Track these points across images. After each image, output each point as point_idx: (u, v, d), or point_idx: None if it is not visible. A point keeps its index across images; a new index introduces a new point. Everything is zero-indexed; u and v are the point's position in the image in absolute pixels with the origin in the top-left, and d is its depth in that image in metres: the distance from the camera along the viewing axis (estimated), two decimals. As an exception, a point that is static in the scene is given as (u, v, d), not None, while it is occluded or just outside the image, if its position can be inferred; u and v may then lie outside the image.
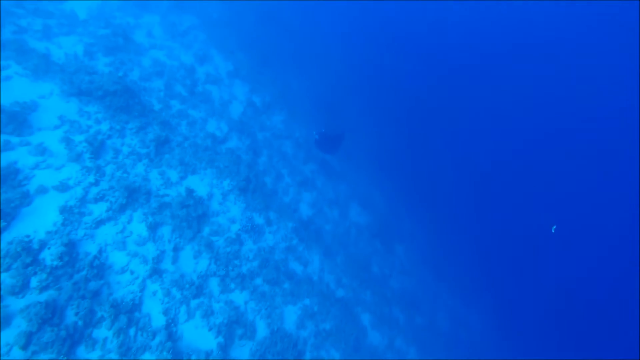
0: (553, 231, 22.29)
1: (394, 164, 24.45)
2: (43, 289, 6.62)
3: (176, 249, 8.75)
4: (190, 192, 9.60)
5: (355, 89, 26.46)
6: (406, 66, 35.07)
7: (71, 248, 7.11)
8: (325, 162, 18.12)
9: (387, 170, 23.26)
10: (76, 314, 6.68)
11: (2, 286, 6.36)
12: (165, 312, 7.76)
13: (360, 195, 18.83)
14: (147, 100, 11.47)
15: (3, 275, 6.49)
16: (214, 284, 9.05)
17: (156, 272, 8.03)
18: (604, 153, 35.43)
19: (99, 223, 7.88)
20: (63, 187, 7.77)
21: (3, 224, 6.80)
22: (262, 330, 9.44)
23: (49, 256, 6.86)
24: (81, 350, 6.56)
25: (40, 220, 7.22)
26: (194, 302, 8.37)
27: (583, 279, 28.60)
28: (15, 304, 6.38)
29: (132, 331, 7.18)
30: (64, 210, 7.51)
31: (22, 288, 6.49)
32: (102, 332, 6.89)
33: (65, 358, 6.29)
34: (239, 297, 9.40)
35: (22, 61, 9.88)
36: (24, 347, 6.11)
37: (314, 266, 12.49)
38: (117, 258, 7.74)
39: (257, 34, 21.37)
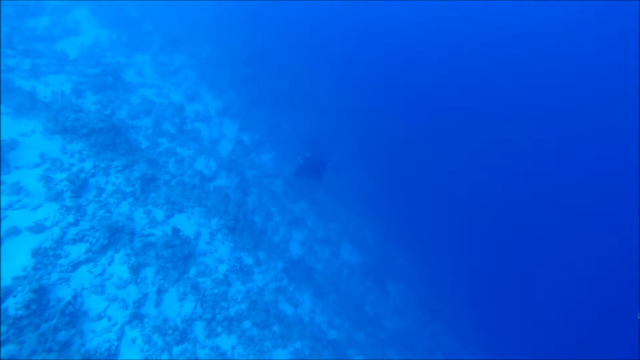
0: None
1: (386, 201, 24.31)
2: (1, 344, 5.96)
3: (160, 292, 8.20)
4: (176, 231, 9.20)
5: (347, 126, 26.76)
6: (398, 101, 35.46)
7: (41, 294, 6.55)
8: (316, 200, 17.96)
9: (379, 208, 23.08)
10: (41, 370, 6.01)
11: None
12: (145, 363, 7.09)
13: (352, 233, 18.53)
14: (134, 138, 11.30)
15: (-45, 331, 5.86)
16: (199, 329, 8.42)
17: (137, 317, 7.44)
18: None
19: (76, 265, 7.36)
20: (38, 228, 7.31)
21: (-32, 269, 6.28)
22: (250, 379, 8.73)
23: (13, 305, 6.26)
24: (45, 413, 5.85)
25: (8, 265, 6.69)
26: (177, 349, 7.71)
27: (581, 292, 28.24)
28: (-31, 362, 5.72)
29: (106, 386, 6.48)
30: (37, 252, 7.01)
31: (-22, 344, 5.85)
32: (72, 389, 6.20)
33: None
34: (226, 342, 8.75)
35: (5, 99, 9.70)
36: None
37: (305, 307, 11.91)
38: (94, 303, 7.16)
39: (247, 73, 21.84)
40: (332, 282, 14.28)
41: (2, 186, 7.75)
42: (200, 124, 15.00)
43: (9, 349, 5.98)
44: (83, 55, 13.32)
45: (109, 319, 7.08)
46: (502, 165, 34.33)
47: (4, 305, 6.30)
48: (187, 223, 10.20)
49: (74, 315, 6.80)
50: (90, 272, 7.51)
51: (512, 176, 34.33)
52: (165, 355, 7.30)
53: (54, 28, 14.09)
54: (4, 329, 6.05)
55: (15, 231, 7.15)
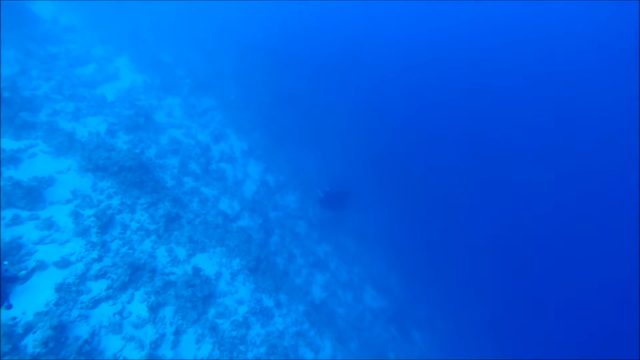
0: None
1: (410, 244, 23.67)
2: (19, 382, 5.84)
3: (177, 332, 7.94)
4: (197, 270, 9.10)
5: (371, 167, 26.82)
6: (419, 139, 35.40)
7: (60, 332, 6.46)
8: (339, 243, 17.64)
9: (403, 251, 22.40)
10: (54, 412, 5.78)
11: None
12: (157, 411, 6.72)
13: (375, 278, 17.88)
14: (161, 177, 11.63)
15: (-22, 365, 5.81)
16: (215, 375, 8.01)
17: (152, 358, 7.16)
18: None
19: (97, 302, 7.30)
20: (64, 263, 7.39)
21: (-6, 304, 6.31)
22: None
23: (32, 342, 6.19)
24: None
25: (32, 300, 6.71)
26: (190, 398, 7.32)
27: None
28: (-13, 401, 5.58)
29: None
30: (61, 288, 7.03)
31: (-5, 381, 5.74)
32: None
33: None
34: (242, 392, 8.26)
35: (49, 140, 10.33)
36: None
37: (326, 353, 11.23)
38: (111, 342, 6.99)
39: (272, 115, 22.59)
40: (354, 328, 13.55)
41: (36, 221, 8.02)
42: (226, 165, 15.35)
43: (24, 388, 5.84)
44: (120, 99, 14.21)
45: (125, 360, 6.86)
46: (520, 198, 33.57)
47: (23, 343, 6.24)
48: (208, 263, 10.09)
49: (89, 354, 6.63)
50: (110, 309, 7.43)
51: (532, 208, 33.39)
52: (179, 403, 6.92)
53: (97, 74, 15.23)
54: (20, 367, 5.94)
55: (42, 266, 7.26)
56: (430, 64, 44.47)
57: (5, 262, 5.47)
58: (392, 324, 16.08)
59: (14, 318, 6.37)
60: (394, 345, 15.10)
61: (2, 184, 8.22)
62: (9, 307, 4.83)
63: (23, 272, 6.39)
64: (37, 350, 6.16)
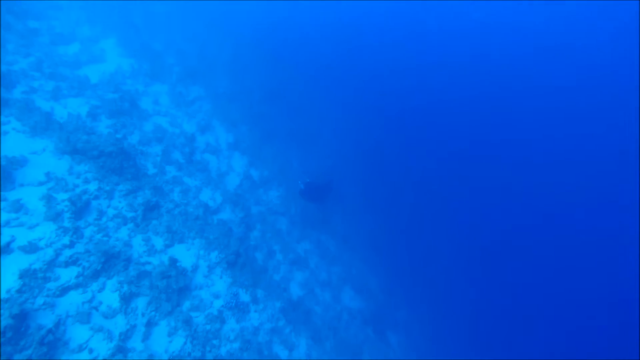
0: None
1: (392, 249, 23.82)
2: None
3: (149, 324, 7.71)
4: (174, 261, 8.86)
5: (357, 171, 26.89)
6: (408, 144, 35.48)
7: (21, 320, 6.15)
8: (321, 242, 17.56)
9: (385, 256, 22.49)
10: (9, 405, 5.51)
11: None
12: (123, 405, 6.50)
13: (355, 279, 17.88)
14: (143, 164, 11.30)
15: None
16: (185, 370, 7.81)
17: (120, 350, 6.92)
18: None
19: (65, 290, 7.00)
20: (31, 248, 7.06)
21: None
22: None
23: (-10, 331, 5.89)
24: None
25: (-4, 285, 6.39)
26: (159, 392, 7.11)
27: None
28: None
29: None
30: (26, 274, 6.70)
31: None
32: None
33: None
34: (213, 388, 8.09)
35: (24, 118, 9.87)
36: None
37: (301, 351, 11.15)
38: (78, 332, 6.71)
39: (261, 109, 22.32)
40: (330, 327, 13.50)
41: (2, 203, 7.64)
42: (210, 156, 15.07)
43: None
44: (104, 81, 13.75)
45: (90, 351, 6.59)
46: (504, 204, 33.76)
47: (-21, 331, 5.92)
48: (186, 254, 9.86)
49: (52, 345, 6.35)
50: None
51: (514, 214, 33.63)
52: (145, 397, 6.71)
53: (81, 55, 14.71)
54: (-29, 357, 5.64)
55: (7, 250, 6.91)
56: (420, 63, 44.64)
57: None
58: (368, 325, 16.11)
59: (-30, 304, 6.05)
60: (369, 346, 15.14)
61: (-30, 161, 7.82)
62: None
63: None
64: (-6, 339, 5.85)
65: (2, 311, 6.12)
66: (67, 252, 7.43)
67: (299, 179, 16.20)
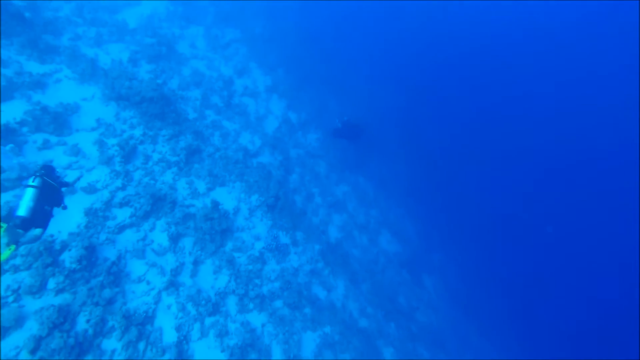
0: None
1: (429, 194, 23.64)
2: (59, 291, 6.40)
3: (196, 263, 8.39)
4: (216, 204, 9.29)
5: (395, 115, 26.23)
6: (453, 96, 35.36)
7: (91, 252, 6.91)
8: (359, 185, 17.55)
9: (422, 201, 22.40)
10: (87, 321, 6.37)
11: (21, 285, 6.22)
12: (178, 328, 7.31)
13: (392, 222, 17.97)
14: (183, 109, 11.50)
15: (24, 273, 6.36)
16: (231, 303, 8.55)
17: (173, 284, 7.67)
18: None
19: (122, 228, 7.69)
20: (91, 189, 7.69)
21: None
22: (277, 356, 8.75)
23: (68, 258, 6.68)
24: (88, 361, 6.23)
25: (65, 221, 7.11)
26: (208, 320, 7.89)
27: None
28: (30, 304, 6.18)
29: (141, 345, 6.76)
30: (89, 212, 7.39)
31: (39, 289, 6.30)
32: (112, 343, 6.52)
33: (71, 368, 5.97)
34: (257, 319, 8.83)
35: (73, 65, 10.21)
36: (32, 352, 5.83)
37: (338, 292, 11.75)
38: (135, 266, 7.47)
39: (298, 52, 21.52)
40: (367, 270, 13.97)
41: (63, 147, 8.22)
42: (248, 99, 15.00)
43: (65, 297, 6.43)
44: (142, 25, 13.70)
45: (148, 282, 7.36)
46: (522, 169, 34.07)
47: (61, 258, 6.74)
48: (227, 197, 10.30)
49: (117, 275, 7.13)
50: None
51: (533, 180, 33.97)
52: (197, 325, 7.49)
53: (118, -2, 14.59)
54: (60, 278, 6.48)
55: (72, 190, 7.57)
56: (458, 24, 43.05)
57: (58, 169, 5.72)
58: (404, 268, 16.48)
59: (51, 235, 6.82)
60: (405, 289, 15.61)
61: (31, 108, 8.34)
62: (65, 207, 5.20)
63: (71, 179, 6.63)
64: (74, 266, 6.66)
65: (75, 243, 6.90)
66: (120, 194, 8.02)
67: (336, 117, 16.19)
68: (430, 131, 30.00)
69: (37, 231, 4.68)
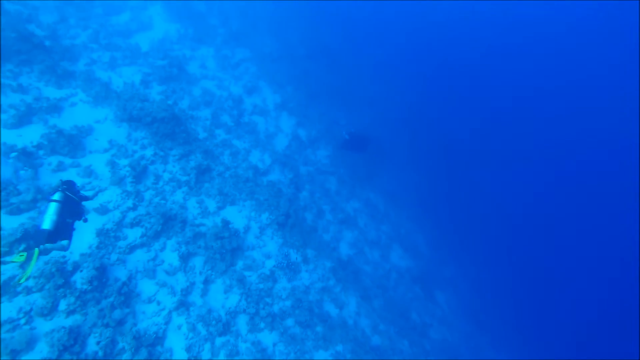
0: None
1: (440, 207, 23.46)
2: (70, 313, 6.44)
3: (206, 282, 8.36)
4: (226, 223, 9.32)
5: (403, 126, 26.33)
6: (459, 104, 35.61)
7: (102, 272, 6.96)
8: (369, 201, 17.47)
9: (433, 214, 22.23)
10: (97, 343, 6.37)
11: (33, 307, 6.27)
12: (189, 349, 7.25)
13: (403, 237, 17.75)
14: (193, 129, 11.69)
15: (36, 295, 6.41)
16: (242, 322, 8.46)
17: (183, 304, 7.64)
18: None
19: (133, 248, 7.74)
20: (103, 210, 7.80)
21: (43, 243, 6.83)
22: (289, 377, 8.60)
23: (79, 279, 6.73)
24: (98, 384, 6.18)
25: (77, 242, 7.18)
26: (219, 340, 7.80)
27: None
28: (42, 326, 6.21)
29: (152, 367, 6.71)
30: (101, 233, 7.48)
31: (50, 310, 6.34)
32: (122, 365, 6.50)
33: (80, 392, 5.94)
34: (268, 338, 8.70)
35: (87, 89, 10.54)
36: (43, 375, 5.84)
37: (350, 309, 11.54)
38: (146, 286, 7.47)
39: (306, 69, 21.83)
40: (379, 286, 13.73)
41: (77, 168, 8.40)
42: (258, 117, 15.19)
43: (76, 318, 6.45)
44: (154, 48, 14.11)
45: (158, 303, 7.35)
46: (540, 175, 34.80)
47: (73, 279, 6.80)
48: (237, 216, 10.32)
49: (128, 295, 7.14)
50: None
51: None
52: (207, 345, 7.41)
53: (131, 23, 15.09)
54: (72, 300, 6.52)
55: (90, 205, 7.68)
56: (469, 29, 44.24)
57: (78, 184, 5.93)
58: (417, 284, 16.16)
59: (63, 256, 6.91)
60: (417, 304, 15.27)
61: (47, 131, 8.59)
62: (86, 220, 5.44)
63: (91, 193, 6.86)
64: (85, 287, 6.71)
65: (86, 264, 6.97)
66: (132, 214, 8.11)
67: (343, 130, 16.57)
68: (440, 142, 30.14)
69: (64, 242, 4.91)
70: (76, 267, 6.91)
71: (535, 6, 39.33)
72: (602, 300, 27.39)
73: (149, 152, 9.56)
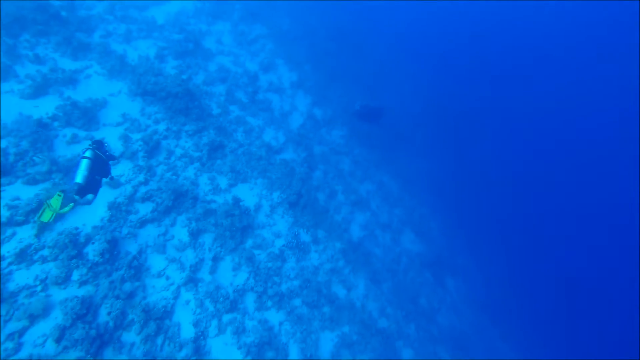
0: None
1: (457, 195, 23.02)
2: (82, 283, 6.57)
3: (215, 259, 8.41)
4: (237, 201, 9.29)
5: (423, 113, 25.75)
6: (481, 92, 34.96)
7: (113, 245, 7.05)
8: (383, 183, 17.17)
9: (449, 201, 21.81)
10: (109, 313, 6.52)
11: (48, 275, 6.43)
12: (196, 324, 7.36)
13: (416, 222, 17.47)
14: (207, 105, 11.57)
15: (51, 264, 6.56)
16: (249, 300, 8.53)
17: (192, 280, 7.72)
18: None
19: (143, 223, 7.80)
20: (115, 184, 7.84)
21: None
22: (294, 355, 8.67)
23: (92, 251, 6.84)
24: (108, 353, 6.34)
25: (89, 214, 7.29)
26: (226, 317, 7.90)
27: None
28: (57, 294, 6.37)
29: (159, 340, 6.85)
30: (113, 206, 7.54)
31: (64, 280, 6.48)
32: (131, 336, 6.64)
33: (92, 358, 6.11)
34: (275, 317, 8.78)
35: (102, 62, 10.49)
36: (57, 341, 6.01)
37: (358, 292, 11.52)
38: (156, 261, 7.56)
39: (325, 48, 21.27)
40: (389, 269, 13.65)
41: (90, 142, 8.44)
42: (273, 95, 14.93)
43: (88, 289, 6.60)
44: (169, 22, 13.89)
45: (168, 278, 7.43)
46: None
47: (85, 250, 6.92)
48: (249, 193, 10.27)
49: (138, 269, 7.24)
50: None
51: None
52: (214, 322, 7.50)
53: (147, -5, 14.86)
54: (84, 271, 6.65)
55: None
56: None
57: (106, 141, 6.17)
58: (427, 269, 16.01)
59: (76, 228, 7.02)
60: (427, 290, 15.16)
61: (62, 103, 8.61)
62: (112, 178, 5.91)
63: (117, 154, 7.40)
64: (96, 259, 6.83)
65: (98, 237, 7.08)
66: (143, 189, 8.14)
67: (355, 101, 16.33)
68: (460, 127, 29.60)
69: (89, 196, 5.37)
70: (88, 239, 7.02)
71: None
72: (617, 298, 26.95)
73: (162, 127, 9.52)
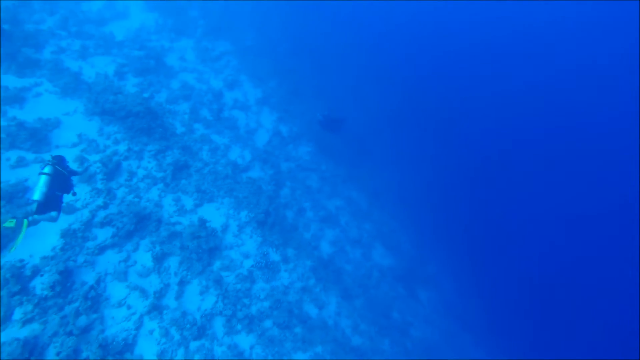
0: None
1: (424, 205, 23.53)
2: (26, 322, 5.96)
3: (182, 283, 7.99)
4: (203, 222, 8.95)
5: (388, 125, 26.31)
6: (443, 96, 36.01)
7: (66, 276, 6.51)
8: (352, 198, 17.31)
9: (415, 212, 22.25)
10: (58, 354, 5.92)
11: (-16, 317, 5.78)
12: (161, 354, 6.89)
13: (386, 236, 17.69)
14: (170, 123, 11.21)
15: (-14, 304, 5.91)
16: (218, 325, 8.15)
17: (156, 308, 7.26)
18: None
19: (102, 249, 7.30)
20: (69, 209, 7.31)
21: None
22: (267, 380, 8.36)
23: (40, 285, 6.27)
24: (57, 398, 5.77)
25: (39, 244, 6.73)
26: (193, 345, 7.47)
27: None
28: (-8, 338, 5.72)
29: (120, 377, 6.34)
30: (67, 234, 7.00)
31: (3, 320, 5.85)
32: (86, 376, 6.10)
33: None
34: (245, 341, 8.42)
35: (54, 79, 9.93)
36: (-7, 393, 5.39)
37: (330, 309, 11.37)
38: (116, 290, 7.06)
39: (289, 64, 21.43)
40: (360, 285, 13.63)
41: (41, 164, 7.84)
42: (239, 112, 14.77)
43: (33, 327, 5.99)
44: (129, 38, 13.47)
45: (129, 307, 6.95)
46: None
47: (31, 285, 6.33)
48: (215, 214, 9.96)
49: (95, 300, 6.73)
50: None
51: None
52: (181, 351, 7.07)
53: (105, 11, 14.38)
54: (29, 307, 6.06)
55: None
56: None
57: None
58: (399, 282, 16.15)
59: (21, 260, 6.42)
60: (400, 303, 15.27)
61: (5, 124, 7.99)
62: (75, 194, 5.70)
63: (80, 169, 7.20)
64: (45, 293, 6.26)
65: (49, 268, 6.50)
66: (102, 213, 7.65)
67: (317, 111, 16.25)
68: (424, 139, 30.26)
69: (53, 213, 5.27)
70: (36, 271, 6.44)
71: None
72: (592, 298, 27.66)
73: (122, 148, 9.06)
